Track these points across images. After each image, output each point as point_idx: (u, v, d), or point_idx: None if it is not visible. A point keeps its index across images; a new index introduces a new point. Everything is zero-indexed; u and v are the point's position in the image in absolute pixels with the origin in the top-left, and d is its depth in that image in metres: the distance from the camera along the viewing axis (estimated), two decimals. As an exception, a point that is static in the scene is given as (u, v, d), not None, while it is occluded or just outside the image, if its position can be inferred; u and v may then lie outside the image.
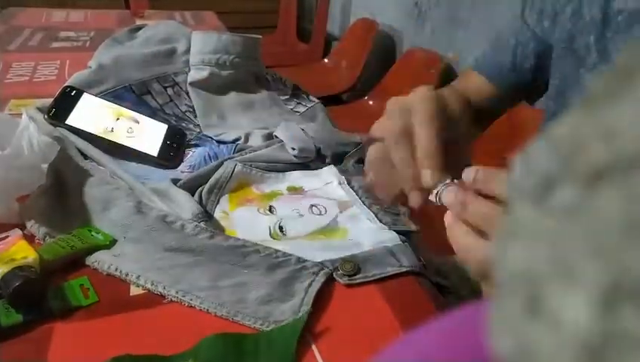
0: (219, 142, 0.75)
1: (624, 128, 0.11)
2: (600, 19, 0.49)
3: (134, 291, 0.47)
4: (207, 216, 0.56)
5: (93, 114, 0.70)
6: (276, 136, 0.72)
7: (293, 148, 0.68)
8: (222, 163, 0.65)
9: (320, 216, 0.58)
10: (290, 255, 0.50)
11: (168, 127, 0.73)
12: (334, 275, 0.49)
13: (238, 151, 0.70)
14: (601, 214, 0.11)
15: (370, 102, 2.05)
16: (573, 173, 0.12)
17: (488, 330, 0.13)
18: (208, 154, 0.70)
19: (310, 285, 0.47)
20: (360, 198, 0.62)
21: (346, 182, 0.65)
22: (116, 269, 0.48)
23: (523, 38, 0.59)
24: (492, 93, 0.63)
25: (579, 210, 0.11)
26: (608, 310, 0.10)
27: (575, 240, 0.11)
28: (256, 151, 0.69)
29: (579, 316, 0.10)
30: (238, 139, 0.74)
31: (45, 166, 0.54)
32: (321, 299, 0.47)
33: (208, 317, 0.44)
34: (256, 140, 0.73)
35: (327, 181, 0.66)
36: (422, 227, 0.60)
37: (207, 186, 0.61)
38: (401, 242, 0.54)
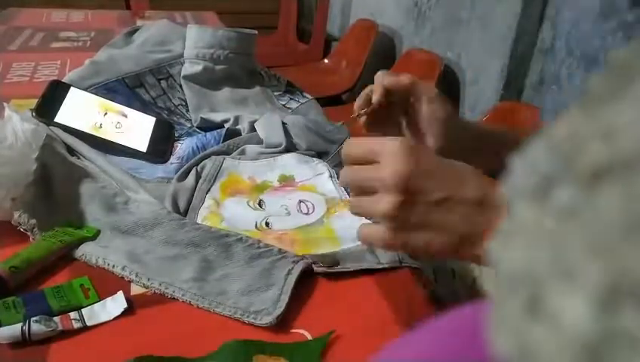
0: (205, 128, 0.76)
1: (624, 128, 0.11)
2: None
3: (135, 290, 0.47)
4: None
5: (80, 109, 0.70)
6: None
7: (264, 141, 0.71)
8: (209, 155, 0.67)
9: (306, 216, 0.59)
10: (272, 246, 0.51)
11: (156, 120, 0.74)
12: (313, 267, 0.50)
13: (226, 139, 0.71)
14: (601, 214, 0.11)
15: (371, 103, 2.04)
16: (573, 173, 0.12)
17: (489, 330, 0.13)
18: (196, 145, 0.71)
19: (289, 273, 0.48)
20: (348, 194, 0.63)
21: (336, 176, 0.66)
22: (104, 261, 0.48)
23: None
24: None
25: (579, 210, 0.11)
26: (608, 310, 0.10)
27: (575, 241, 0.11)
28: (239, 145, 0.71)
29: (579, 316, 0.10)
30: (226, 121, 0.76)
31: (34, 156, 0.54)
32: (318, 298, 0.47)
33: (209, 316, 0.44)
34: (244, 124, 0.75)
35: (319, 172, 0.67)
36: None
37: (199, 181, 0.63)
38: None
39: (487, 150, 0.56)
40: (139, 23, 1.38)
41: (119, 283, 0.47)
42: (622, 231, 0.10)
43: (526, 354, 0.11)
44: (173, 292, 0.46)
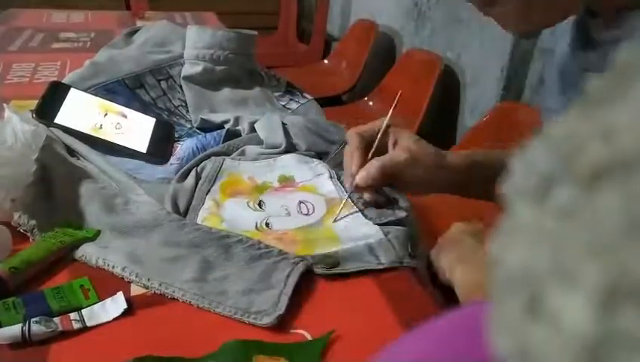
0: (205, 129, 0.76)
1: (623, 128, 0.11)
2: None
3: (135, 291, 0.47)
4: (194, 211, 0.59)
5: (80, 110, 0.70)
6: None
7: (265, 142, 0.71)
8: (209, 156, 0.67)
9: (307, 216, 0.59)
10: (273, 247, 0.51)
11: (156, 121, 0.74)
12: (313, 268, 0.49)
13: (226, 140, 0.71)
14: (601, 214, 0.11)
15: (370, 103, 2.05)
16: (573, 174, 0.12)
17: (488, 331, 0.13)
18: (196, 146, 0.71)
19: (289, 275, 0.48)
20: (348, 194, 0.62)
21: (336, 177, 0.66)
22: (104, 261, 0.48)
23: None
24: None
25: (578, 210, 0.11)
26: (608, 310, 0.10)
27: (575, 241, 0.11)
28: (239, 146, 0.71)
29: (578, 316, 0.10)
30: (226, 122, 0.76)
31: (34, 157, 0.54)
32: (318, 298, 0.47)
33: (209, 316, 0.44)
34: (244, 124, 0.75)
35: (319, 173, 0.67)
36: (420, 221, 0.60)
37: (199, 182, 0.63)
38: (383, 236, 0.54)
39: (475, 181, 0.61)
40: (139, 23, 1.38)
41: (119, 284, 0.47)
42: (622, 231, 0.10)
43: (526, 354, 0.11)
44: (173, 292, 0.46)
